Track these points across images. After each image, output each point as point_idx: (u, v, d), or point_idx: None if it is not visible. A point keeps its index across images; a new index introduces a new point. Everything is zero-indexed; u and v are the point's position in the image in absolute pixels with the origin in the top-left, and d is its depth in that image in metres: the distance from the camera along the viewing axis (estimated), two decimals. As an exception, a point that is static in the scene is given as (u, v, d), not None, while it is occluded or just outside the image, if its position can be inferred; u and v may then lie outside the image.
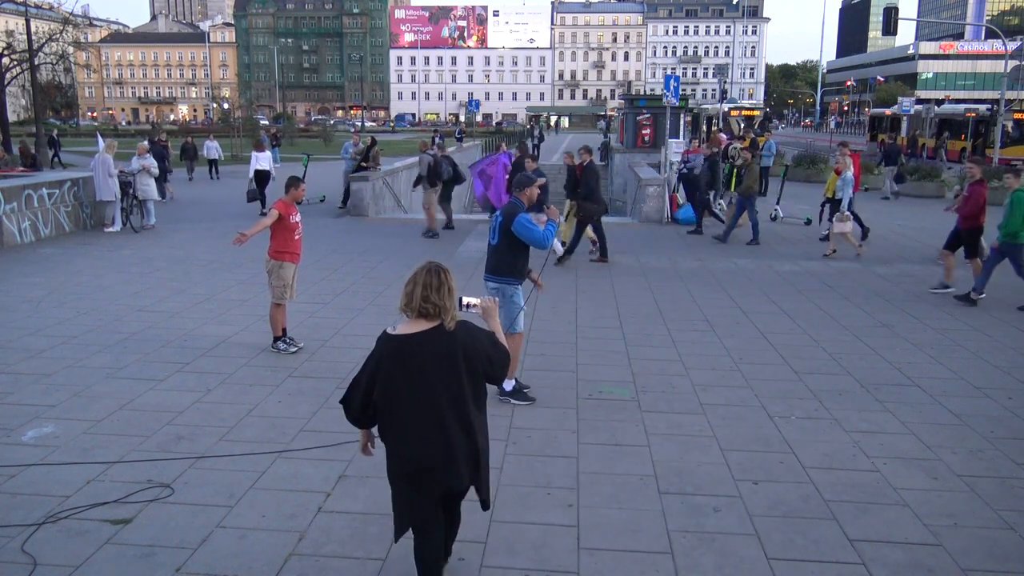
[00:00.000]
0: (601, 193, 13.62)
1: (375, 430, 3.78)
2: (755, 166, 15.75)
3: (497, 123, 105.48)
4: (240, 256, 12.48)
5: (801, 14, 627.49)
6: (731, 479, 5.33)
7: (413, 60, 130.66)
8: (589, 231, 13.19)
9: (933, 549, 4.50)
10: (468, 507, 4.73)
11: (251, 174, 19.09)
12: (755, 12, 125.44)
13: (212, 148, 30.25)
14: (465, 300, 3.84)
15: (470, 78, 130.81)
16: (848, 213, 14.06)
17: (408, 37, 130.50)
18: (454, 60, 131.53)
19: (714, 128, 41.18)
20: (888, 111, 54.45)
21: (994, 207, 13.45)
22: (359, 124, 77.44)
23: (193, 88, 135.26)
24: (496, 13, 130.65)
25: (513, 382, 6.72)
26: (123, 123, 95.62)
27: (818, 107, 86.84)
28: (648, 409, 6.59)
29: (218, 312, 9.63)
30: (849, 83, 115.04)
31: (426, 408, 3.51)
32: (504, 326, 6.57)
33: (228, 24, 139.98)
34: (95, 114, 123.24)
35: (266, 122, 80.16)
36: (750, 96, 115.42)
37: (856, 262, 13.48)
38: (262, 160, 19.46)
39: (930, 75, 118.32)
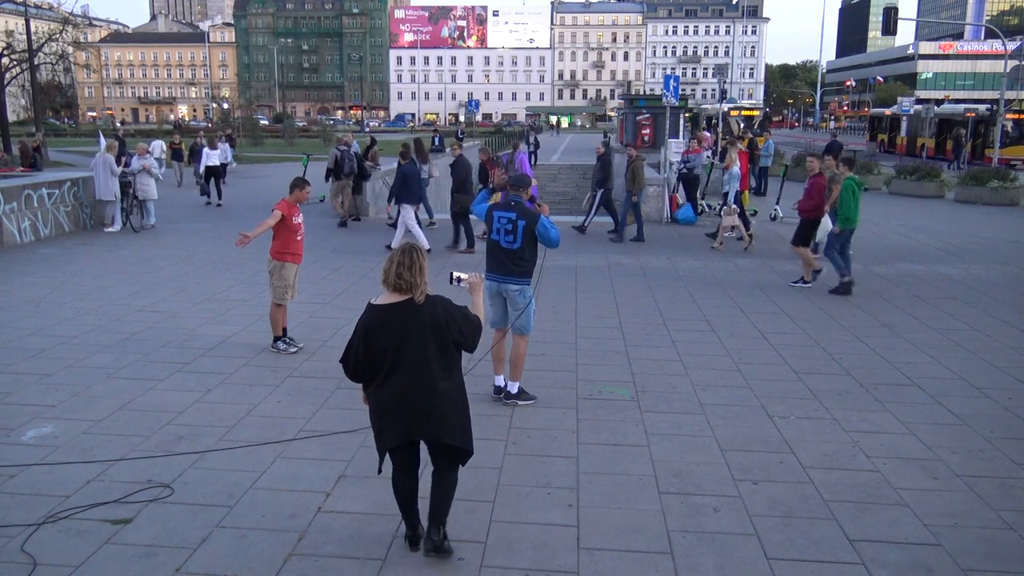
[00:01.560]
0: (471, 185, 14.36)
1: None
2: (641, 164, 15.66)
3: (497, 123, 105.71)
4: (240, 256, 12.48)
5: (801, 14, 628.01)
6: (731, 479, 5.33)
7: (413, 60, 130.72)
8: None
9: (933, 549, 4.50)
10: (469, 507, 4.72)
11: (201, 169, 21.40)
12: (755, 12, 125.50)
13: (223, 150, 27.37)
14: (456, 275, 4.44)
15: (470, 78, 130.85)
16: (735, 207, 14.54)
17: (408, 37, 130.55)
18: (454, 60, 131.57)
19: (700, 128, 41.22)
20: (888, 111, 54.46)
21: (997, 207, 13.60)
22: (353, 124, 77.40)
23: (193, 88, 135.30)
24: (496, 13, 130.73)
25: (518, 384, 6.73)
26: (118, 124, 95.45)
27: (818, 107, 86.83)
28: (648, 409, 6.60)
29: (218, 312, 9.63)
30: (849, 83, 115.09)
31: (397, 365, 4.11)
32: (524, 327, 6.68)
33: (228, 24, 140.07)
34: (96, 114, 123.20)
35: (266, 122, 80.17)
36: (750, 96, 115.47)
37: (856, 262, 13.47)
38: (213, 156, 21.24)
39: (930, 75, 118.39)
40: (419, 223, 14.02)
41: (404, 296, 4.11)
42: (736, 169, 14.67)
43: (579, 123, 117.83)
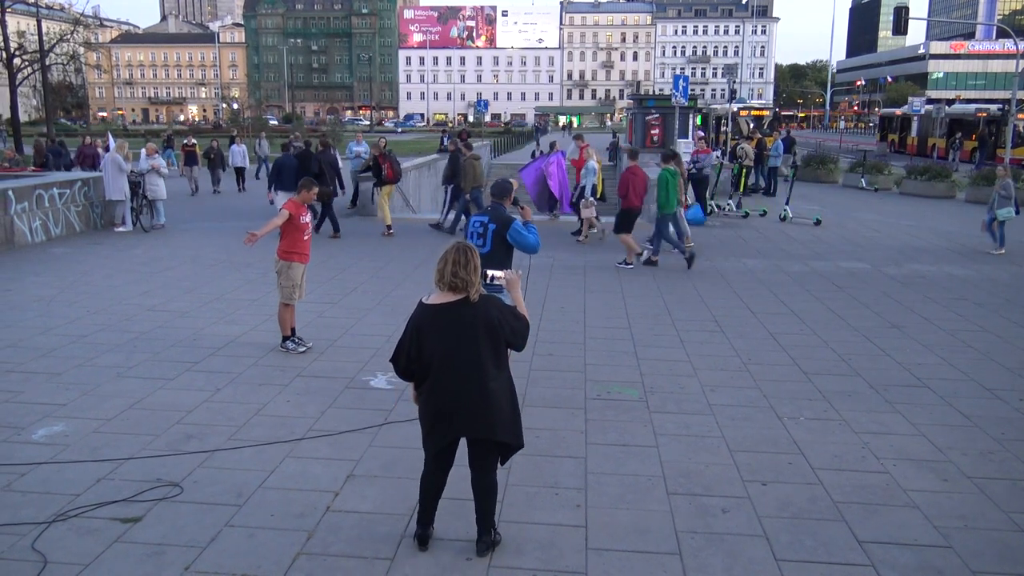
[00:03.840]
0: (330, 177, 15.69)
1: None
2: (471, 162, 15.61)
3: (506, 123, 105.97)
4: (249, 255, 12.51)
5: (811, 14, 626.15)
6: (740, 480, 5.31)
7: (422, 60, 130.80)
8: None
9: (943, 551, 4.48)
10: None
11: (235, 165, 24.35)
12: (764, 12, 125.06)
13: (238, 154, 25.61)
14: (490, 274, 4.47)
15: (479, 78, 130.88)
16: (592, 200, 15.05)
17: (417, 37, 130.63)
18: (463, 60, 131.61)
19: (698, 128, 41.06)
20: (898, 111, 54.24)
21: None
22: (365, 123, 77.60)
23: (203, 88, 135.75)
24: (505, 13, 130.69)
25: None
26: (120, 124, 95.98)
27: (827, 107, 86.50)
28: (656, 410, 6.58)
29: (227, 312, 9.66)
30: (859, 83, 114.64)
31: (452, 365, 4.13)
32: None
33: (238, 24, 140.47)
34: (107, 114, 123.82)
35: (275, 122, 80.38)
36: (759, 96, 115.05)
37: (866, 262, 13.44)
38: (238, 156, 24.51)
39: (941, 75, 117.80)
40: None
41: (459, 295, 4.13)
42: (592, 164, 15.27)
43: (586, 123, 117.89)
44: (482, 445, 4.25)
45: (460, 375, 4.13)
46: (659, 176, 12.64)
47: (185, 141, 25.26)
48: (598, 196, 15.89)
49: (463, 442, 4.32)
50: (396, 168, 16.63)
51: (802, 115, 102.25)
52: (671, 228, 13.06)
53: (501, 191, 6.64)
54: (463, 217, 15.64)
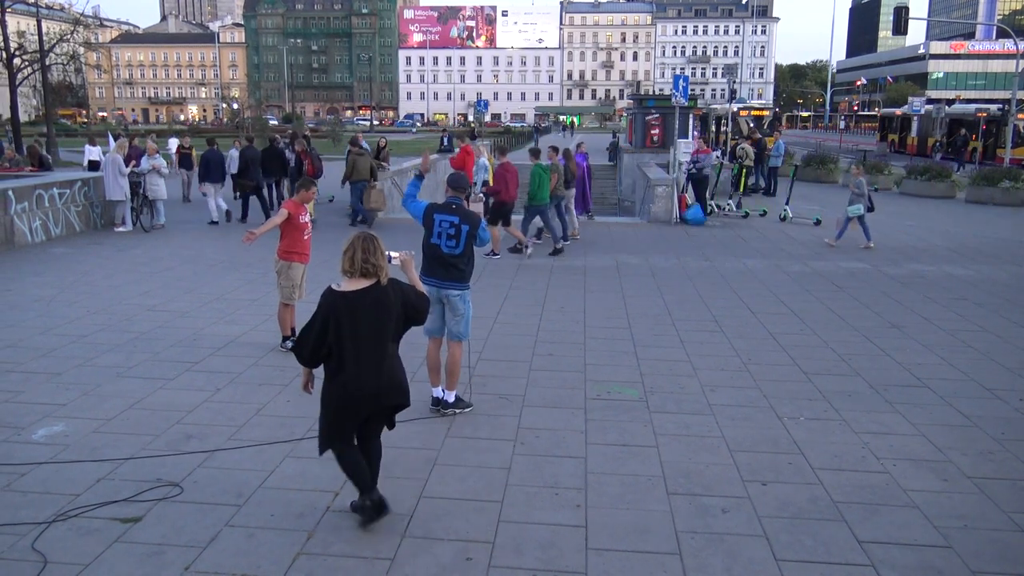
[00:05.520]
0: (255, 171, 17.24)
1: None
2: (354, 159, 16.65)
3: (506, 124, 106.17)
4: (249, 255, 12.51)
5: (811, 14, 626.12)
6: (740, 480, 5.31)
7: (422, 60, 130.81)
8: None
9: (943, 551, 4.48)
10: (477, 507, 4.73)
11: (85, 164, 22.58)
12: (764, 12, 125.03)
13: (237, 159, 23.57)
14: (389, 253, 4.66)
15: (479, 78, 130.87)
16: (481, 195, 15.55)
17: (417, 37, 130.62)
18: (463, 60, 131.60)
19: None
20: (898, 111, 54.25)
21: (1008, 208, 13.53)
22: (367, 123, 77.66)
23: (203, 88, 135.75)
24: (505, 13, 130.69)
25: (454, 394, 6.47)
26: (114, 121, 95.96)
27: (827, 107, 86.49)
28: (656, 410, 6.58)
29: (227, 312, 9.66)
30: (859, 83, 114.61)
31: (370, 347, 4.42)
32: (462, 333, 6.45)
33: (238, 24, 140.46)
34: (107, 114, 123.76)
35: (275, 122, 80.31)
36: (759, 96, 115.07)
37: (866, 262, 13.43)
38: (93, 153, 22.29)
39: (940, 75, 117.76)
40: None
41: (371, 280, 4.42)
42: (483, 161, 15.73)
43: (586, 123, 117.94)
44: (386, 412, 4.66)
45: (375, 355, 4.42)
46: (531, 171, 13.77)
47: (180, 142, 23.70)
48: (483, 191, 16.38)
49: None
50: (317, 164, 17.69)
51: (804, 115, 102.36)
52: (556, 220, 14.54)
53: (458, 183, 6.48)
54: (358, 207, 16.92)
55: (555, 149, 15.16)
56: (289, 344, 8.04)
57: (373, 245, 4.43)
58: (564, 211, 15.15)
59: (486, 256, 13.10)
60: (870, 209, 14.73)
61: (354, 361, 4.37)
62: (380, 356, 4.43)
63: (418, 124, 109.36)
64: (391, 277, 4.51)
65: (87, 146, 23.10)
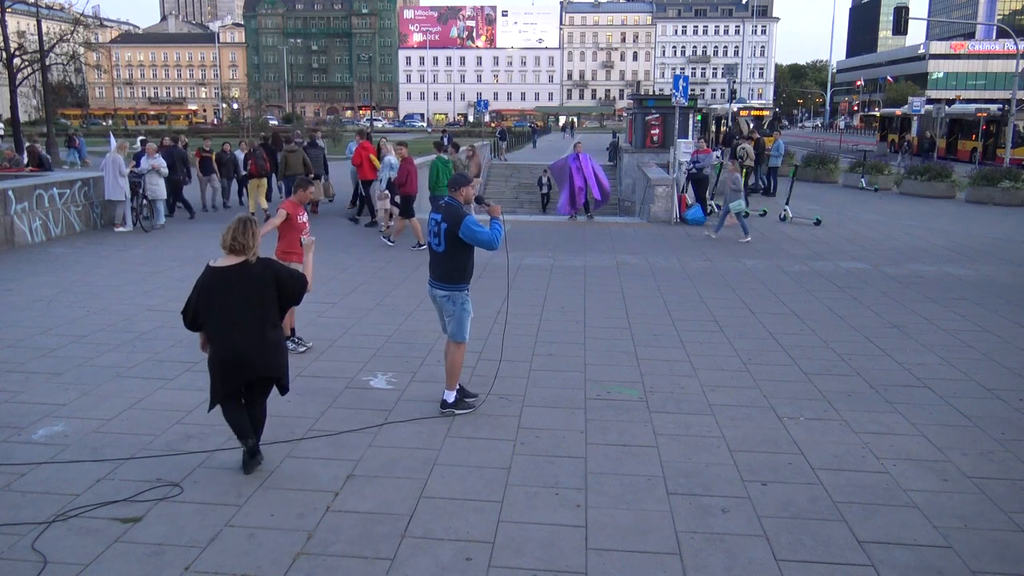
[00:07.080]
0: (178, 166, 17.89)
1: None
2: (288, 156, 17.13)
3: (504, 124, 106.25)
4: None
5: (811, 14, 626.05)
6: (740, 480, 5.31)
7: (422, 60, 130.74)
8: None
9: (943, 551, 4.48)
10: (477, 507, 4.72)
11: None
12: (764, 12, 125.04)
13: (243, 160, 20.51)
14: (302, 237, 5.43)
15: (479, 78, 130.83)
16: (386, 192, 15.81)
17: (417, 37, 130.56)
18: (463, 60, 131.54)
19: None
20: (898, 111, 54.25)
21: (1008, 208, 13.53)
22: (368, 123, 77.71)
23: (203, 88, 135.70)
24: (505, 13, 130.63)
25: (454, 394, 6.42)
26: (106, 121, 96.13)
27: (828, 107, 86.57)
28: (656, 410, 6.58)
29: (227, 312, 9.65)
30: (859, 83, 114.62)
31: (235, 317, 4.99)
32: (454, 335, 6.32)
33: (238, 24, 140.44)
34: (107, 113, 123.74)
35: (275, 122, 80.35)
36: (759, 96, 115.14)
37: (866, 263, 13.44)
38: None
39: (941, 75, 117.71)
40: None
41: (240, 258, 4.99)
42: (389, 158, 16.14)
43: (583, 124, 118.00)
44: (266, 383, 5.25)
45: (242, 326, 4.97)
46: (431, 164, 14.60)
47: (202, 145, 20.79)
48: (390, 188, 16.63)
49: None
50: (259, 164, 17.94)
51: (807, 124, 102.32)
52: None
53: (456, 182, 6.37)
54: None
55: (455, 146, 16.15)
56: (289, 344, 8.03)
57: (244, 227, 4.99)
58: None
59: (412, 248, 14.07)
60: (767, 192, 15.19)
61: (220, 328, 5.00)
62: (245, 326, 4.96)
63: (422, 124, 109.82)
64: (267, 258, 5.11)
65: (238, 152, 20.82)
